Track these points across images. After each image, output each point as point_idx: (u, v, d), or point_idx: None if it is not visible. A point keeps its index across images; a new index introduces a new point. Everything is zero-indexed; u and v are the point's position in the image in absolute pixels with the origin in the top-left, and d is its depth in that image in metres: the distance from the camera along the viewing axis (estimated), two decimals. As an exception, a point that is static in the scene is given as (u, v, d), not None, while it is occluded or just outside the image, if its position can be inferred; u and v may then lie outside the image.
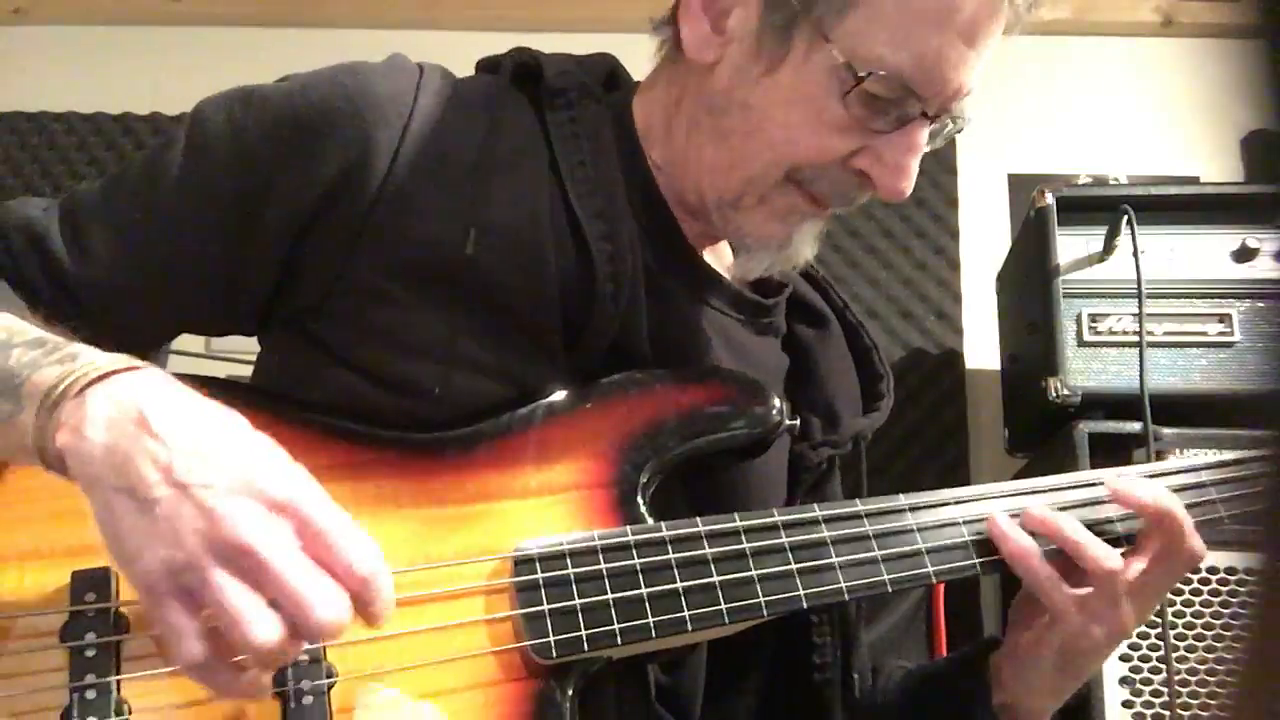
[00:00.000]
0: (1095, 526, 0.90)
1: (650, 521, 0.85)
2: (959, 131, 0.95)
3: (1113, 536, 0.90)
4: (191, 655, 0.64)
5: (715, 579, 0.83)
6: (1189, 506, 0.91)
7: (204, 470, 0.65)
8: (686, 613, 0.82)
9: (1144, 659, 1.54)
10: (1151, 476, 0.94)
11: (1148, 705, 1.53)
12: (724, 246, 1.04)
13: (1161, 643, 1.52)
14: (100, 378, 0.69)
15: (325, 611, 0.64)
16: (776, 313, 1.06)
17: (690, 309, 0.97)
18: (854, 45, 0.85)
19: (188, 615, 0.64)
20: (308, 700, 0.74)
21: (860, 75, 0.85)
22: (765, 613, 0.83)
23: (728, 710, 1.00)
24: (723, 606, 0.82)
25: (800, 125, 0.88)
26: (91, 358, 0.72)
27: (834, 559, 0.86)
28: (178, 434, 0.66)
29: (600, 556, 0.82)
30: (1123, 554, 0.88)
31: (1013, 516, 0.90)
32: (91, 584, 0.75)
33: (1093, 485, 0.93)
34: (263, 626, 0.63)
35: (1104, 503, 0.92)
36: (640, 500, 0.86)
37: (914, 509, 0.90)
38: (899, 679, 1.06)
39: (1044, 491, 0.93)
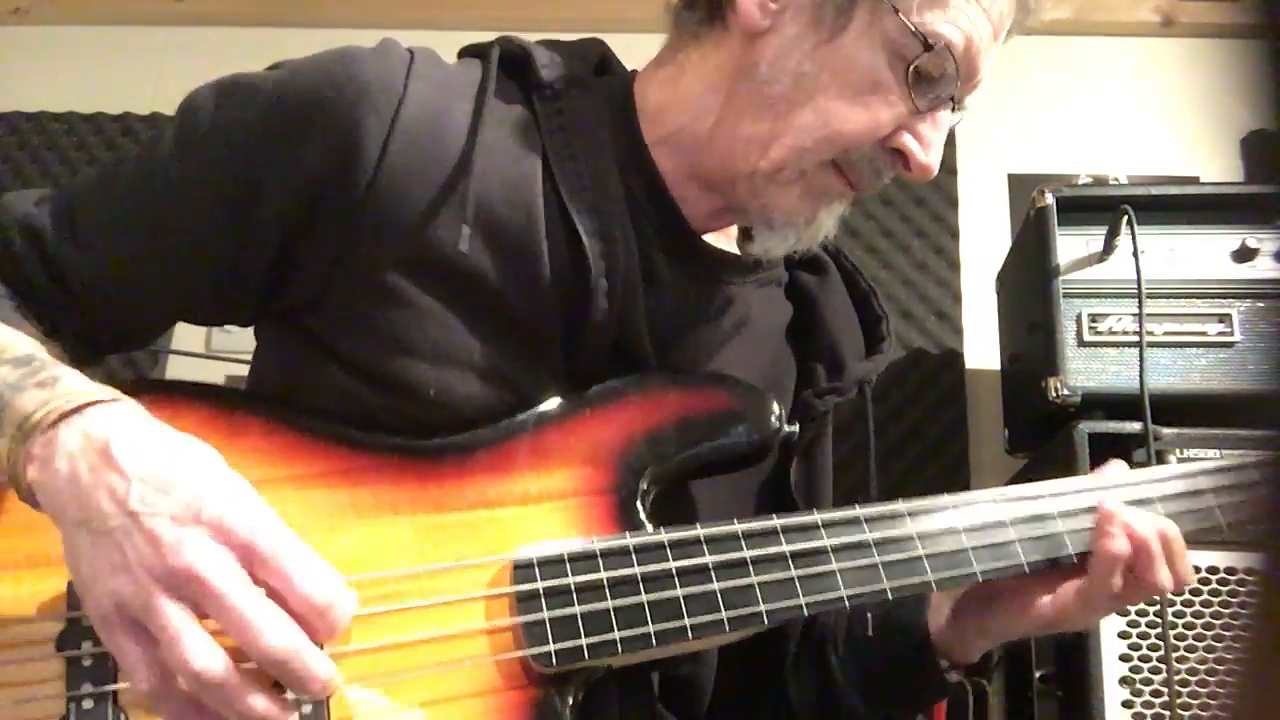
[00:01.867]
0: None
1: (650, 528, 0.85)
2: (954, 124, 0.97)
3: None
4: (145, 683, 0.64)
5: (716, 586, 0.82)
6: (1186, 513, 0.93)
7: (156, 499, 0.65)
8: (687, 621, 0.81)
9: (1144, 659, 1.54)
10: (1153, 483, 0.95)
11: (1148, 705, 1.52)
12: (733, 228, 1.04)
13: (1161, 643, 1.52)
14: (74, 409, 0.69)
15: (272, 638, 0.64)
16: (776, 265, 1.06)
17: (691, 292, 0.97)
18: (920, 19, 0.88)
19: (137, 644, 0.64)
20: (306, 709, 0.73)
21: (929, 45, 0.88)
22: (766, 621, 0.83)
23: (726, 695, 1.01)
24: (723, 615, 0.82)
25: (854, 98, 0.90)
26: (71, 385, 0.72)
27: (834, 565, 0.85)
28: (138, 465, 0.66)
29: (600, 563, 0.81)
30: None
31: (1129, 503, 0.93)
32: None
33: (1089, 491, 0.94)
34: (195, 649, 0.63)
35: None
36: (640, 507, 0.86)
37: (913, 515, 0.89)
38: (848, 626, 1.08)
39: (1043, 497, 0.93)
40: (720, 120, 0.94)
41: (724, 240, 1.03)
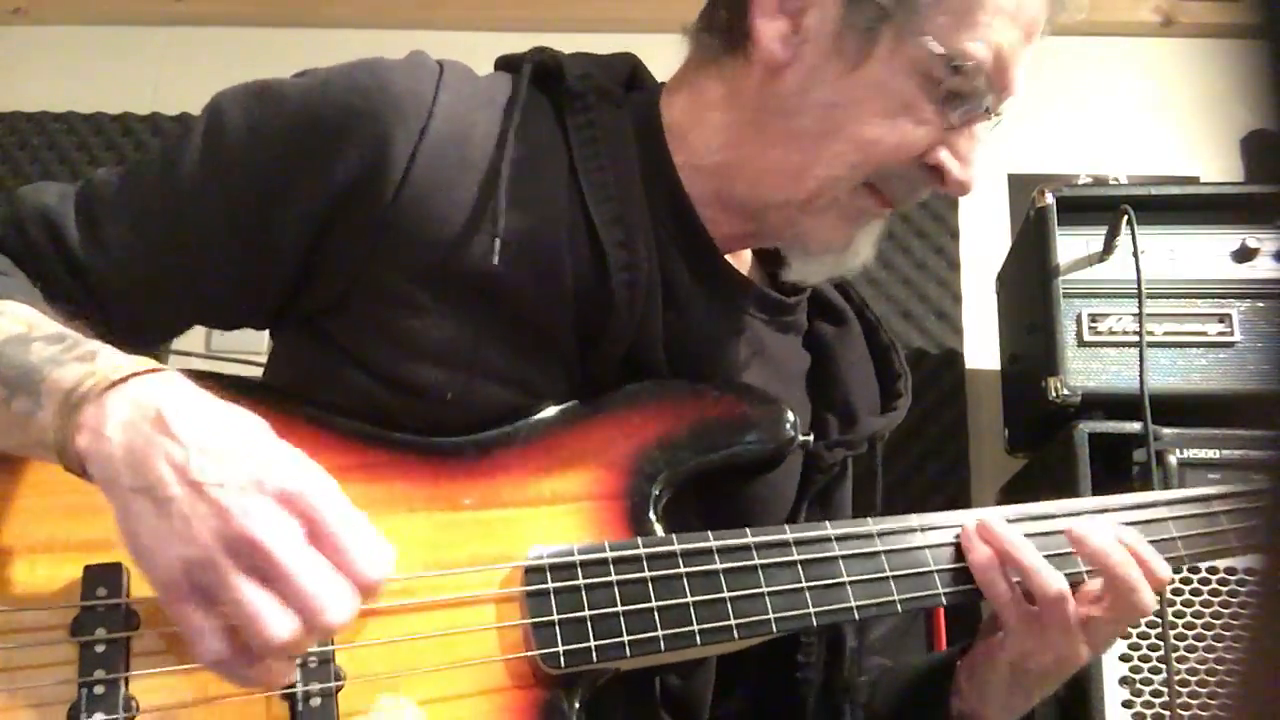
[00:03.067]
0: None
1: (662, 534, 0.85)
2: (994, 128, 0.96)
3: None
4: (212, 653, 0.65)
5: (726, 594, 0.83)
6: (1199, 535, 0.93)
7: (218, 469, 0.65)
8: (696, 627, 0.81)
9: (1144, 659, 1.54)
10: (1131, 509, 0.95)
11: (1148, 705, 1.52)
12: (747, 252, 1.04)
13: (1161, 643, 1.52)
14: (121, 380, 0.69)
15: (334, 610, 0.65)
16: (798, 310, 1.05)
17: (710, 312, 0.96)
18: (944, 39, 0.87)
19: (205, 613, 0.65)
20: (315, 702, 0.74)
21: (956, 65, 0.87)
22: (775, 629, 0.83)
23: (726, 712, 1.00)
24: (732, 622, 0.82)
25: (886, 122, 0.89)
26: (112, 358, 0.72)
27: (844, 577, 0.86)
28: (194, 434, 0.67)
29: (611, 567, 0.82)
30: (1079, 589, 0.89)
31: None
32: (103, 579, 0.75)
33: (1100, 512, 0.94)
34: (276, 623, 0.63)
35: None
36: (652, 512, 0.86)
37: (924, 529, 0.90)
38: (876, 677, 1.06)
39: (1042, 518, 0.92)
40: (748, 151, 0.93)
41: (744, 268, 1.02)
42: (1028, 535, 0.90)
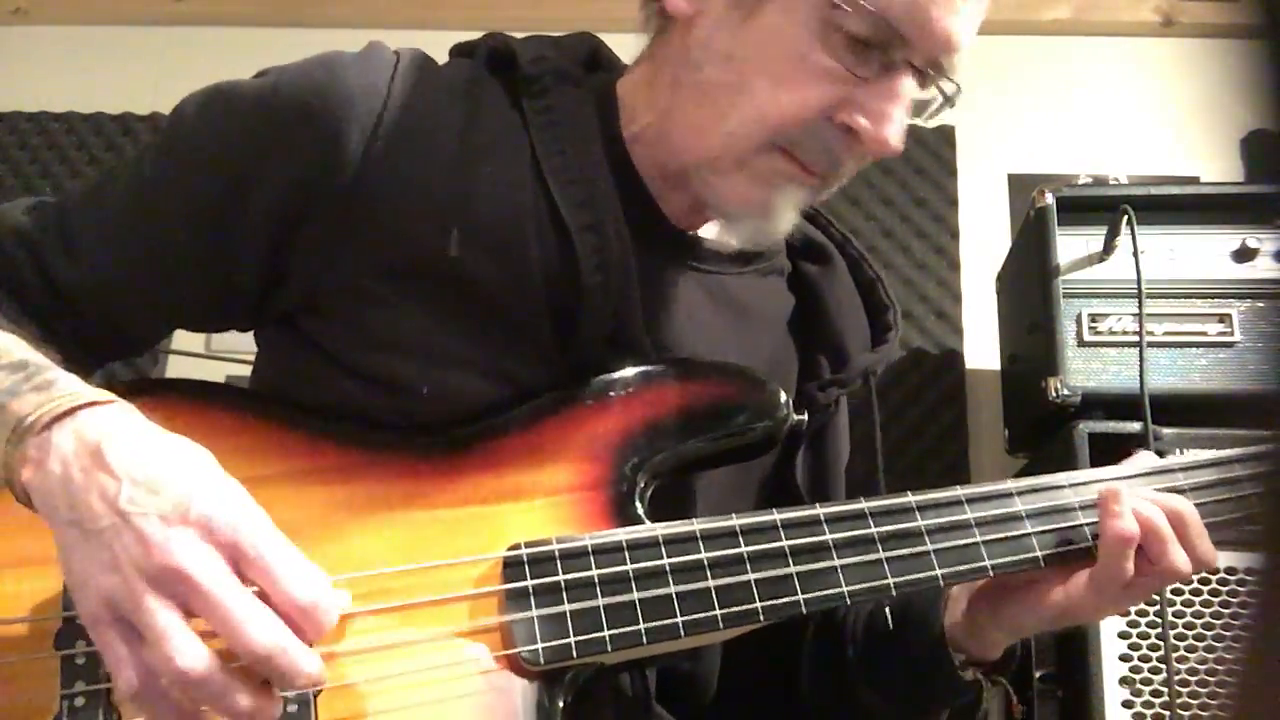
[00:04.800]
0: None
1: (648, 524, 0.83)
2: (951, 100, 0.90)
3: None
4: (126, 684, 0.65)
5: (710, 583, 0.80)
6: (1220, 502, 0.90)
7: (145, 500, 0.65)
8: (679, 619, 0.79)
9: (1144, 659, 1.54)
10: (1150, 474, 0.92)
11: (1148, 705, 1.52)
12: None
13: (1161, 643, 1.52)
14: (68, 412, 0.69)
15: (258, 635, 0.64)
16: (774, 254, 1.04)
17: (683, 283, 0.95)
18: None
19: (124, 644, 0.65)
20: (293, 709, 0.73)
21: (850, 4, 0.82)
22: (762, 618, 0.81)
23: (733, 687, 1.00)
24: (717, 612, 0.80)
25: (782, 72, 0.85)
26: (66, 388, 0.72)
27: (835, 561, 0.83)
28: (129, 467, 0.67)
29: (592, 560, 0.80)
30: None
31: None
32: None
33: (1090, 484, 0.91)
34: (186, 651, 0.63)
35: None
36: (637, 502, 0.85)
37: (922, 508, 0.86)
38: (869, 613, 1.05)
39: (1063, 488, 0.90)
40: (669, 112, 0.92)
41: (718, 231, 1.01)
42: None
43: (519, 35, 0.98)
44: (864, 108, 0.85)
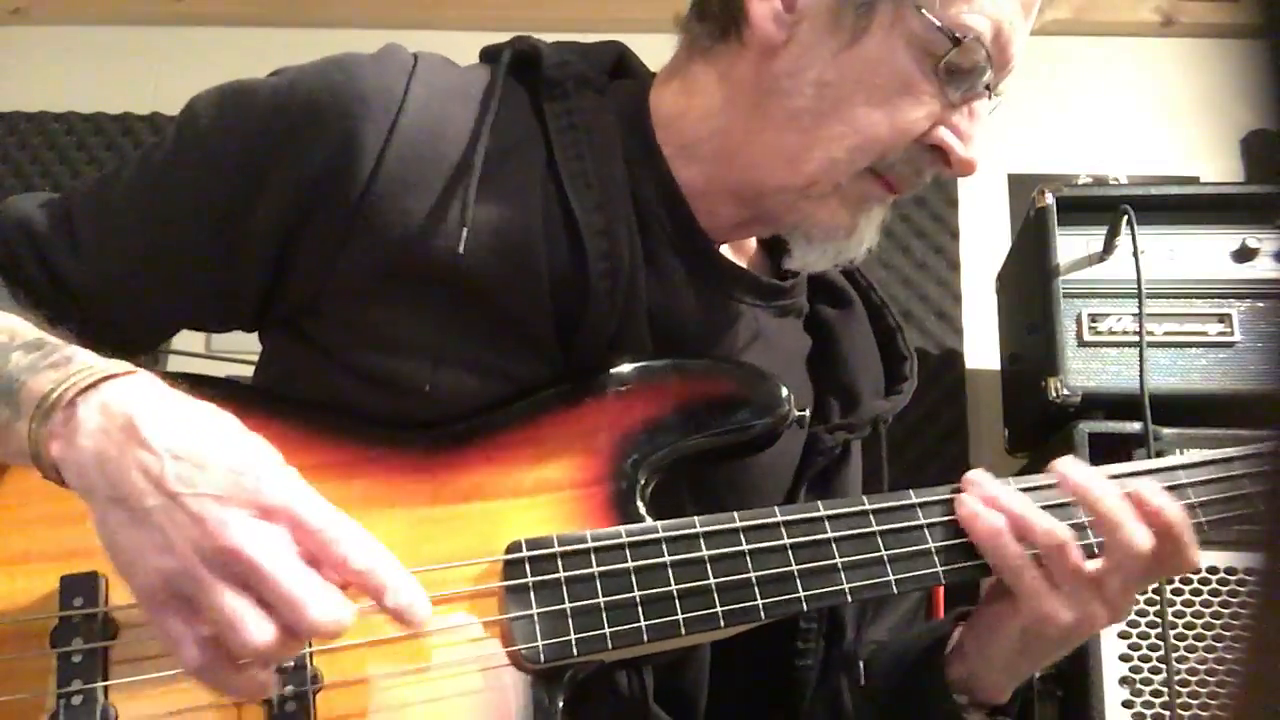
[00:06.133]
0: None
1: (648, 520, 0.83)
2: (995, 109, 0.94)
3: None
4: (192, 660, 0.65)
5: (711, 581, 0.80)
6: (1219, 500, 0.88)
7: (194, 477, 0.65)
8: (680, 616, 0.79)
9: (1144, 659, 1.54)
10: (1139, 475, 0.90)
11: (1148, 705, 1.52)
12: (750, 241, 1.03)
13: (1161, 643, 1.52)
14: (91, 385, 0.69)
15: (318, 610, 0.64)
16: (796, 293, 1.04)
17: (701, 300, 0.95)
18: (942, 11, 0.86)
19: (185, 622, 0.65)
20: (291, 706, 0.73)
21: (957, 38, 0.85)
22: (764, 615, 0.81)
23: (726, 706, 1.00)
24: (718, 610, 0.80)
25: (886, 99, 0.87)
26: (85, 362, 0.72)
27: (837, 559, 0.83)
28: (167, 441, 0.66)
29: (593, 557, 0.80)
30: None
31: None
32: (79, 589, 0.74)
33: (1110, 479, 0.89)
34: (255, 629, 0.63)
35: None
36: (638, 499, 0.84)
37: (923, 505, 0.86)
38: (869, 655, 1.03)
39: (1044, 488, 0.88)
40: (745, 136, 0.92)
41: (739, 258, 1.01)
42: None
43: (527, 36, 0.98)
44: (955, 129, 0.89)
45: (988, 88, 0.89)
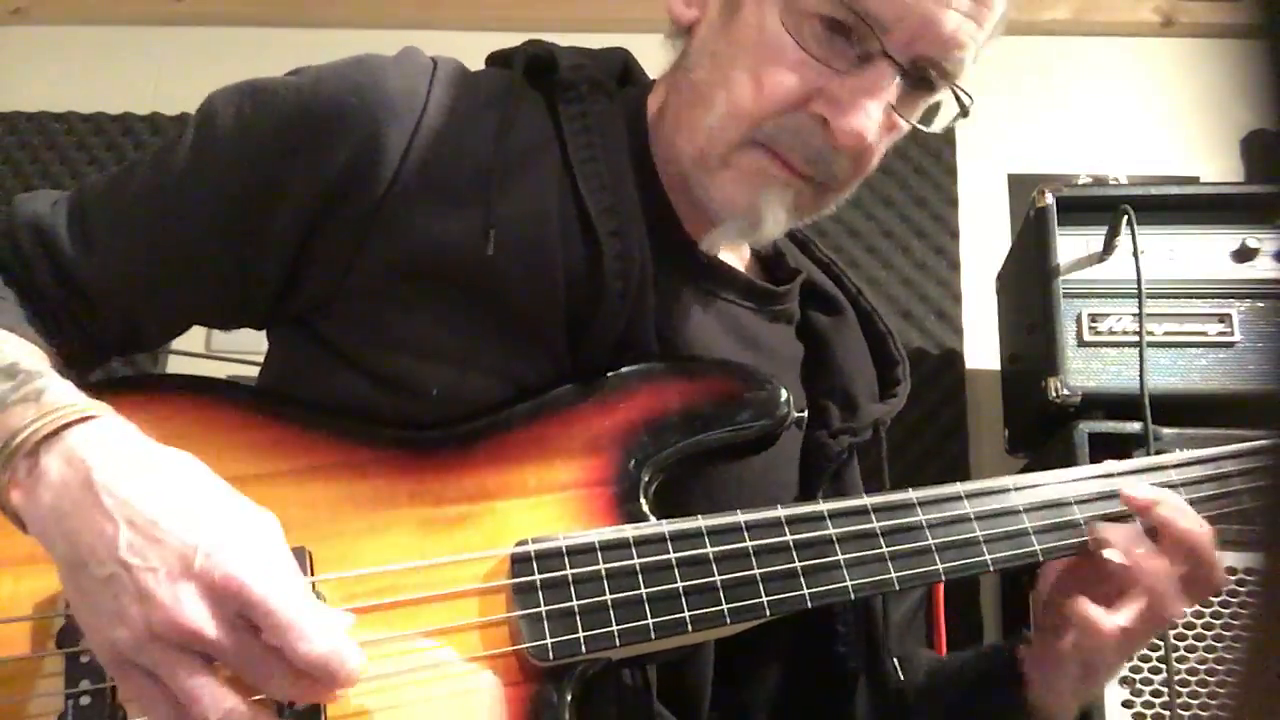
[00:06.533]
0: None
1: (653, 520, 0.84)
2: (965, 110, 0.90)
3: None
4: (165, 718, 0.65)
5: (717, 578, 0.81)
6: (1210, 498, 0.91)
7: (146, 551, 0.65)
8: (687, 613, 0.80)
9: (1144, 659, 1.54)
10: (1137, 473, 0.93)
11: (1148, 705, 1.52)
12: (745, 248, 1.04)
13: (1161, 643, 1.52)
14: (56, 432, 0.69)
15: (274, 688, 0.65)
16: (789, 299, 1.04)
17: (697, 303, 0.96)
18: None
19: (150, 684, 0.65)
20: (302, 706, 0.73)
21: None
22: (768, 612, 0.82)
23: (740, 704, 1.00)
24: (724, 607, 0.80)
25: (756, 65, 0.87)
26: (53, 402, 0.71)
27: (839, 556, 0.84)
28: (123, 507, 0.66)
29: (599, 556, 0.80)
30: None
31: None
32: None
33: (1105, 476, 0.92)
34: (211, 704, 0.64)
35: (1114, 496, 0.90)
36: (642, 498, 0.85)
37: (924, 504, 0.87)
38: (927, 667, 1.04)
39: (1058, 483, 0.90)
40: (674, 118, 0.95)
41: (735, 264, 1.02)
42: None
43: (519, 37, 0.98)
44: (836, 98, 0.85)
45: (894, 61, 0.85)
